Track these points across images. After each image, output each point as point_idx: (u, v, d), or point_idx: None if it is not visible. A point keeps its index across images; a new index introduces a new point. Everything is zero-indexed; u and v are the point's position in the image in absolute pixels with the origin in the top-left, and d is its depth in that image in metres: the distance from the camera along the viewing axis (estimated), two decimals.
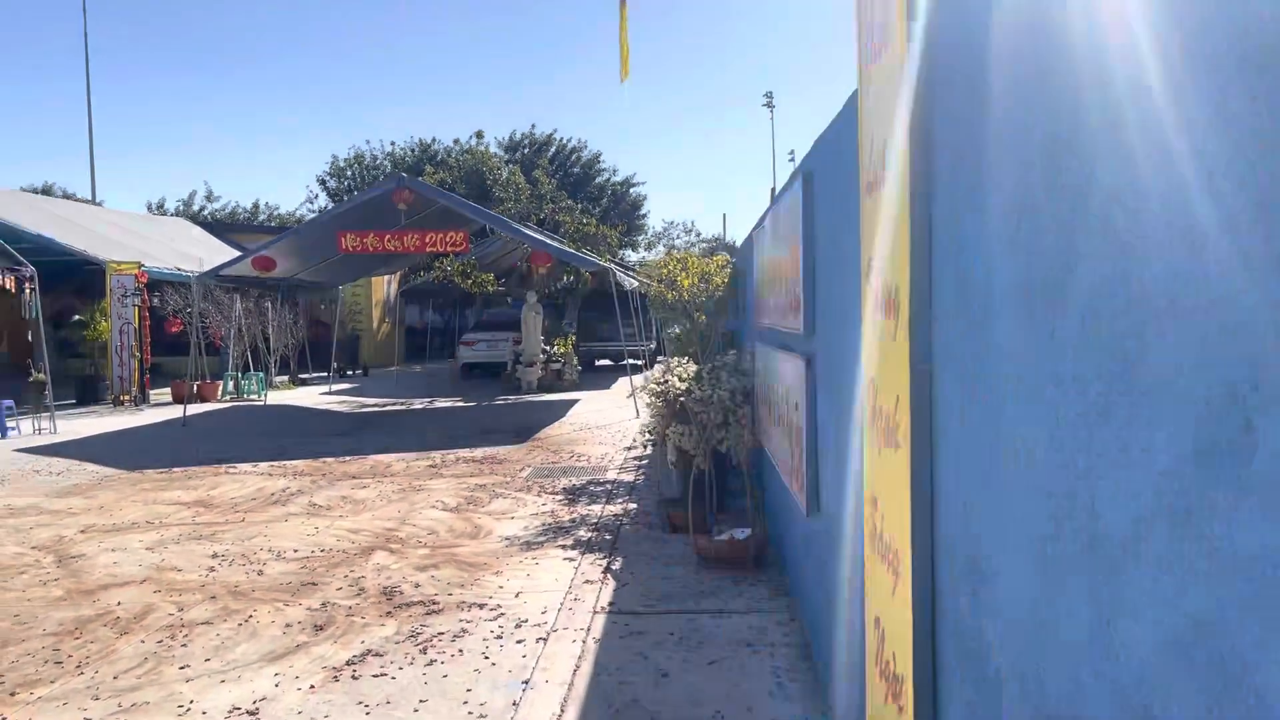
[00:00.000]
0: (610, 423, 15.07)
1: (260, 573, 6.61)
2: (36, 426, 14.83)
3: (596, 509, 8.52)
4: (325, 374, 27.39)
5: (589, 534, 7.55)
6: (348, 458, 11.85)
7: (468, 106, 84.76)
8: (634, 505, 8.64)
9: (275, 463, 11.54)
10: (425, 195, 15.69)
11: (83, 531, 8.00)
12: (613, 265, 17.11)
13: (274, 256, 16.01)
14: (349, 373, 28.46)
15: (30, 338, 15.90)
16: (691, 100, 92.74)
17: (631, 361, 19.40)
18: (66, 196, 44.02)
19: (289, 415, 17.36)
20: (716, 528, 6.82)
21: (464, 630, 5.28)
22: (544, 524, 7.97)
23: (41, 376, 14.98)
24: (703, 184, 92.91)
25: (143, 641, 5.24)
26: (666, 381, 8.07)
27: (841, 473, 3.76)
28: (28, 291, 14.76)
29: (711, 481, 7.39)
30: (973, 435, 2.10)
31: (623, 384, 22.76)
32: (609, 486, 9.61)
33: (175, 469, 11.16)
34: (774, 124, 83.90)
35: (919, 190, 2.37)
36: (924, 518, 2.42)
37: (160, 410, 18.22)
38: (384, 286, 32.89)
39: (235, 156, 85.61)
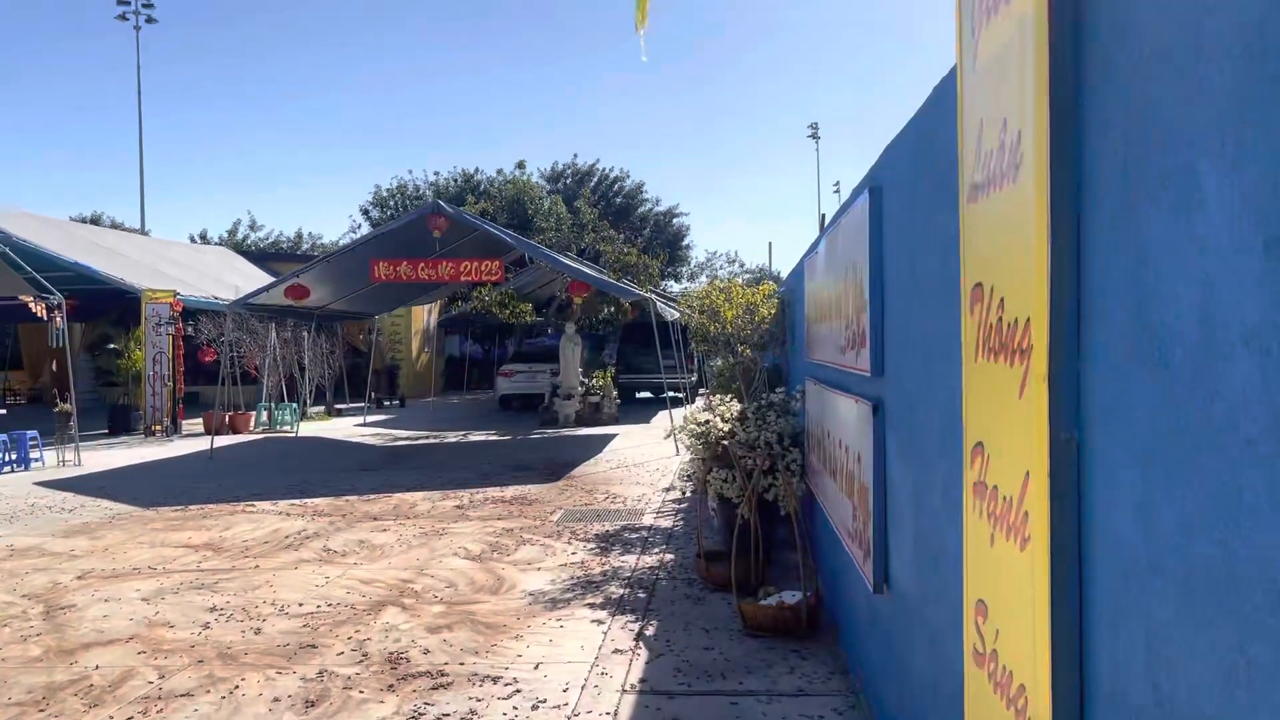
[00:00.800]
0: (648, 460, 14.37)
1: (258, 631, 5.99)
2: (61, 458, 14.47)
3: (630, 560, 7.81)
4: (363, 404, 27.08)
5: (621, 590, 6.85)
6: (372, 496, 11.27)
7: (511, 138, 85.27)
8: (671, 556, 7.92)
9: (296, 501, 10.99)
10: (460, 222, 15.22)
11: (80, 578, 7.45)
12: (653, 295, 16.48)
13: (306, 285, 15.60)
14: (386, 403, 28.09)
15: (57, 366, 15.58)
16: (736, 131, 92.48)
17: (672, 394, 18.75)
18: (115, 226, 44.54)
19: (318, 448, 16.89)
20: (763, 590, 6.08)
21: (472, 712, 4.60)
22: (572, 577, 7.28)
23: (67, 407, 14.65)
24: (746, 216, 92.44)
25: (111, 718, 4.62)
26: (708, 422, 7.38)
27: (925, 551, 3.05)
28: (57, 320, 14.45)
29: (757, 533, 6.66)
30: (1159, 538, 1.40)
31: (662, 418, 22.03)
32: (644, 534, 8.90)
33: (192, 506, 10.64)
34: (819, 155, 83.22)
35: (1065, 182, 1.69)
36: (1069, 649, 1.71)
37: (191, 441, 17.84)
38: (424, 316, 32.58)
39: (280, 187, 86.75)
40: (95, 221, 44.05)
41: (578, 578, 7.24)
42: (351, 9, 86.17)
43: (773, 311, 8.99)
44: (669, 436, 9.87)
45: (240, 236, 46.88)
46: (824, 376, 5.74)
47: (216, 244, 42.98)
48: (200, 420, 20.26)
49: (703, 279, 46.95)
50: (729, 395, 7.94)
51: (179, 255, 26.96)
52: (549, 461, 14.39)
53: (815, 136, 65.97)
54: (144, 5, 49.35)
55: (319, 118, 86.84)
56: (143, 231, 44.73)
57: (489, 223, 16.81)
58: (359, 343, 29.04)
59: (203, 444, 17.28)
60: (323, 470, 13.86)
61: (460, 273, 15.34)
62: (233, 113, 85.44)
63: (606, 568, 7.55)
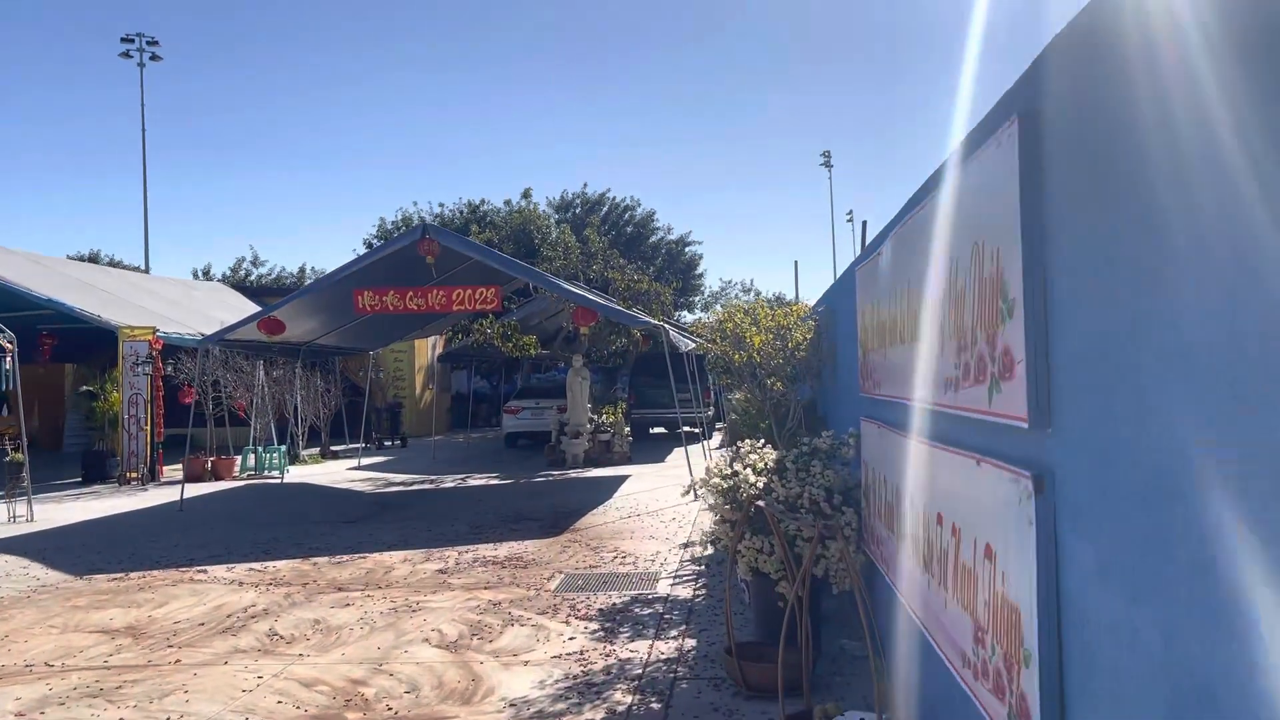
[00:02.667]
0: (663, 507, 12.84)
1: None
2: (11, 513, 13.04)
3: (641, 648, 6.28)
4: (363, 444, 25.67)
5: (629, 698, 5.31)
6: (344, 557, 9.79)
7: (520, 168, 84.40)
8: (692, 643, 6.38)
9: (256, 564, 9.51)
10: (452, 248, 13.83)
11: None
12: (666, 324, 15.06)
13: (283, 319, 14.22)
14: (387, 444, 26.67)
15: (8, 411, 14.20)
16: (747, 159, 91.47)
17: (688, 429, 17.22)
18: (113, 264, 43.54)
19: (302, 496, 15.42)
20: (821, 710, 4.54)
21: None
22: (568, 675, 5.76)
23: (19, 456, 13.27)
24: (760, 245, 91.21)
25: None
26: (735, 474, 5.87)
27: None
28: (7, 361, 13.09)
29: (805, 622, 5.14)
30: None
31: (678, 455, 20.52)
32: (659, 608, 7.36)
33: (133, 574, 9.17)
34: (832, 184, 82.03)
35: None
36: None
37: (167, 490, 16.39)
38: (428, 351, 31.24)
39: (284, 223, 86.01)
40: (93, 260, 43.07)
41: (574, 677, 5.71)
42: (357, 42, 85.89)
43: (807, 336, 7.52)
44: (688, 492, 8.33)
45: (243, 273, 45.82)
46: (897, 419, 4.25)
47: (219, 281, 41.90)
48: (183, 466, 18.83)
49: (717, 308, 45.56)
50: (759, 440, 6.42)
51: (168, 291, 25.73)
52: (552, 510, 12.87)
53: (828, 165, 64.97)
54: (149, 43, 48.76)
55: (323, 152, 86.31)
56: (145, 270, 43.78)
57: (483, 247, 15.42)
58: (359, 380, 27.67)
59: (187, 491, 15.87)
60: (299, 523, 12.39)
61: (453, 302, 13.91)
62: (237, 149, 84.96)
63: (612, 661, 6.01)
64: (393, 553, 10.02)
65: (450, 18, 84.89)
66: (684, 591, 7.82)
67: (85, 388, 18.99)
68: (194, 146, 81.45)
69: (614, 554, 9.59)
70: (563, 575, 8.59)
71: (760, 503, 5.20)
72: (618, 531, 11.00)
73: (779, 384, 7.67)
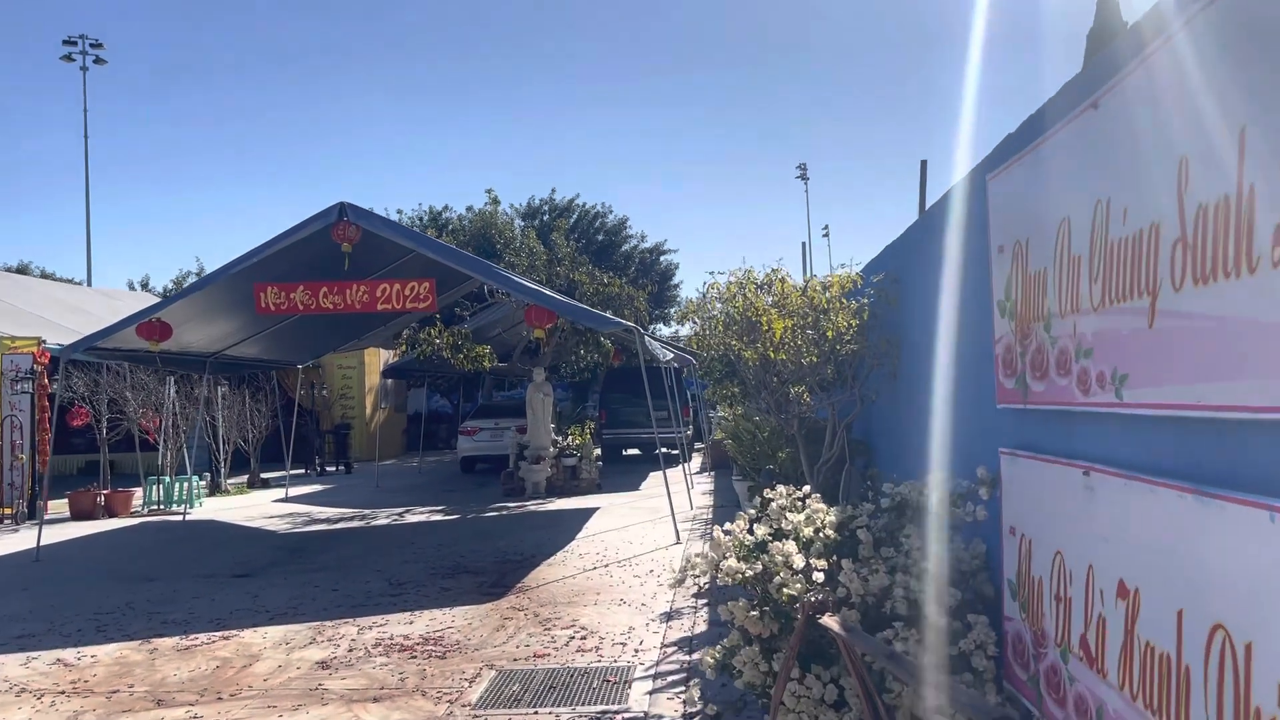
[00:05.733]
0: (637, 553, 10.28)
1: None
2: None
3: None
4: (302, 471, 22.95)
5: None
6: (201, 637, 7.16)
7: (487, 180, 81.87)
8: None
9: (72, 651, 6.87)
10: (378, 233, 11.23)
11: None
12: (639, 330, 12.52)
13: (170, 321, 11.55)
14: (330, 469, 23.93)
15: None
16: (722, 170, 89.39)
17: (665, 450, 14.68)
18: (46, 276, 40.49)
19: (199, 539, 12.70)
20: None
21: None
22: None
23: None
24: (735, 257, 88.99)
25: None
26: (765, 549, 3.34)
27: None
28: None
29: None
30: None
31: (655, 481, 17.98)
32: None
33: None
34: (809, 197, 79.90)
35: None
36: None
37: (50, 530, 13.58)
38: (380, 366, 28.51)
39: (234, 234, 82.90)
40: (23, 271, 40.01)
41: None
42: (314, 48, 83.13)
43: (853, 323, 5.03)
44: (679, 583, 5.70)
45: (188, 285, 42.86)
46: (1124, 450, 1.73)
47: (159, 293, 38.97)
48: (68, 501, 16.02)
49: (694, 321, 43.16)
50: (809, 494, 3.87)
51: (77, 300, 22.92)
52: (499, 558, 10.27)
53: (804, 178, 62.90)
54: (92, 45, 45.98)
55: (277, 162, 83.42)
56: (88, 284, 40.73)
57: (414, 233, 12.83)
58: (303, 399, 24.87)
59: (59, 533, 13.14)
60: (176, 577, 9.73)
61: (377, 299, 11.29)
62: (183, 157, 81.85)
63: None
64: (271, 628, 7.39)
65: (415, 24, 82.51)
66: (670, 708, 5.24)
67: None
68: (139, 154, 78.28)
69: (570, 630, 7.01)
70: (493, 672, 6.00)
71: (830, 621, 2.66)
72: (578, 591, 8.42)
73: (805, 395, 5.21)
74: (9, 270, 37.43)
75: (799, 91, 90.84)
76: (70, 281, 38.97)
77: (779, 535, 3.55)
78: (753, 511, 3.79)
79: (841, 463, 5.27)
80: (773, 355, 4.92)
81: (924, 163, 5.65)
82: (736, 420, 10.67)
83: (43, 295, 22.09)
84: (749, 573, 3.36)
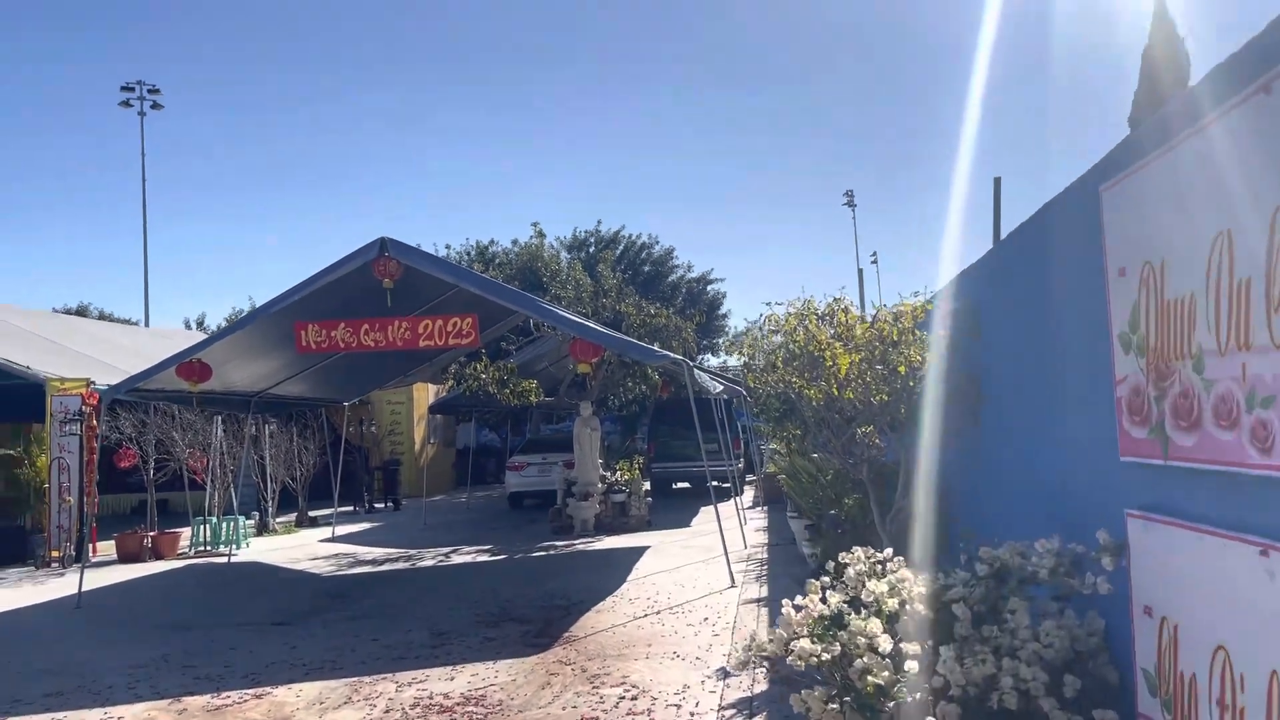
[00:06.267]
0: (690, 598, 9.79)
1: None
2: None
3: None
4: (351, 509, 22.74)
5: None
6: (232, 695, 6.82)
7: (533, 212, 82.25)
8: None
9: (102, 710, 6.57)
10: (419, 268, 10.96)
11: None
12: (687, 363, 12.07)
13: (210, 362, 11.37)
14: (379, 506, 23.73)
15: None
16: (769, 197, 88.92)
17: (717, 485, 14.15)
18: (103, 317, 41.20)
19: (242, 583, 12.46)
20: None
21: None
22: None
23: None
24: (784, 286, 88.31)
25: None
26: (845, 625, 2.87)
27: None
28: None
29: None
30: None
31: (706, 517, 17.46)
32: None
33: None
34: (855, 223, 79.04)
35: None
36: None
37: (93, 574, 13.43)
38: (429, 401, 28.33)
39: (287, 270, 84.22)
40: (82, 312, 40.74)
41: None
42: (362, 86, 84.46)
43: (924, 355, 4.56)
44: (744, 666, 5.17)
45: None
46: None
47: (212, 332, 39.42)
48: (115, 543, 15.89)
49: (743, 352, 42.54)
50: (889, 557, 3.40)
51: (131, 341, 23.07)
52: (545, 603, 9.85)
53: (851, 204, 62.19)
54: (149, 91, 47.08)
55: (327, 199, 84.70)
56: (146, 324, 41.34)
57: (456, 267, 12.56)
58: (351, 435, 24.74)
59: (104, 577, 13.00)
60: (215, 625, 9.45)
61: (420, 336, 11.01)
62: (238, 198, 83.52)
63: None
64: (306, 684, 7.03)
65: (461, 60, 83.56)
66: None
67: (3, 451, 16.13)
68: (194, 196, 80.00)
69: (620, 689, 6.55)
70: None
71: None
72: (628, 642, 7.95)
73: (874, 436, 4.75)
74: (68, 312, 38.12)
75: (846, 117, 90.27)
76: (127, 322, 39.60)
77: (855, 604, 3.10)
78: (826, 579, 3.32)
79: (913, 511, 4.79)
80: (839, 394, 4.46)
81: (998, 180, 5.21)
82: (793, 459, 10.15)
83: (94, 336, 22.26)
84: (826, 656, 2.90)
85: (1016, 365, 3.84)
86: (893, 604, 3.05)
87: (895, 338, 4.58)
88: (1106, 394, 2.80)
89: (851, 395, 4.50)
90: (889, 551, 3.38)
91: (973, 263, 4.68)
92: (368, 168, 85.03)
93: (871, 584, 3.14)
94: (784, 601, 3.53)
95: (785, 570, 10.98)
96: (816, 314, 4.85)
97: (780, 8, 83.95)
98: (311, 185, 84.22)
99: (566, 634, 8.37)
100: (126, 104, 46.48)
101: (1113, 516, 2.75)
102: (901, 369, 4.47)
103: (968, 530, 3.32)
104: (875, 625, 2.90)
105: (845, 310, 4.82)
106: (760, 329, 4.85)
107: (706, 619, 8.71)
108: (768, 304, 4.74)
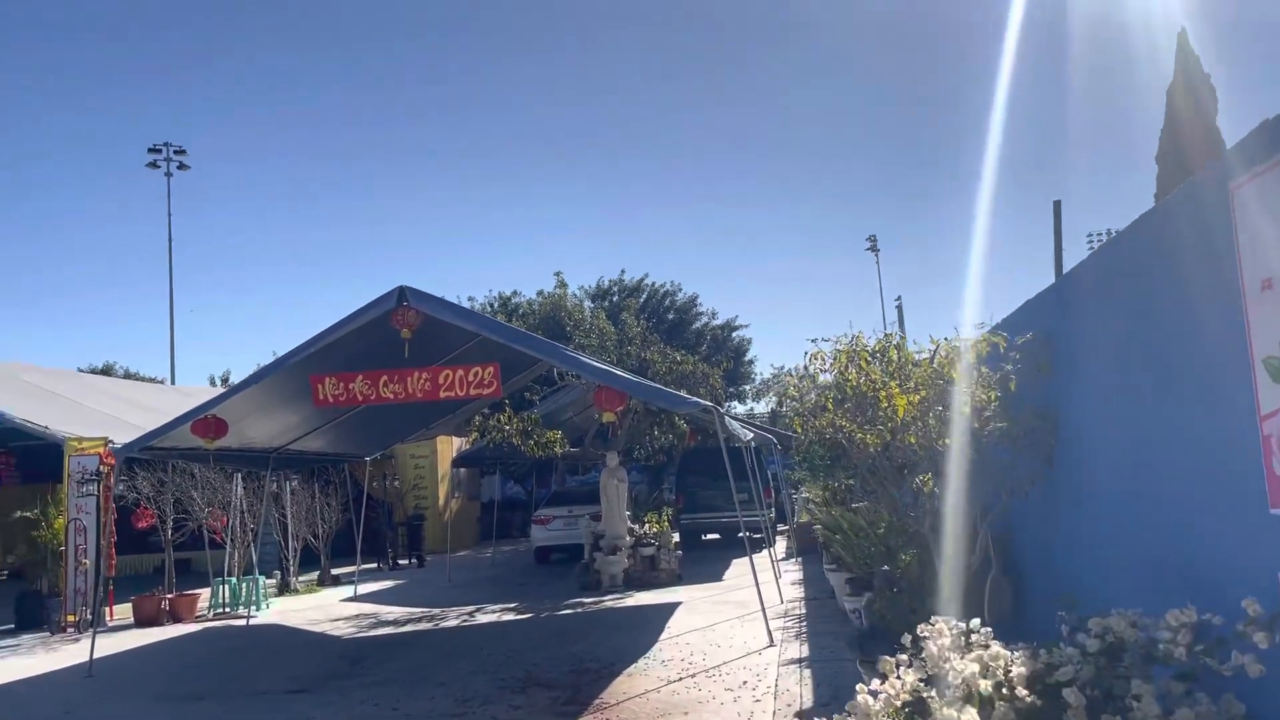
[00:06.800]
0: (728, 659, 9.24)
1: None
2: None
3: None
4: (374, 566, 22.26)
5: None
6: None
7: (555, 262, 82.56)
8: None
9: None
10: (438, 317, 10.62)
11: None
12: (717, 409, 11.61)
13: (225, 417, 11.04)
14: (402, 563, 23.23)
15: None
16: (792, 244, 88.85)
17: (750, 535, 13.58)
18: (129, 375, 41.29)
19: (258, 648, 12.02)
20: None
21: None
22: None
23: None
24: (809, 331, 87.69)
25: None
26: (926, 713, 2.40)
27: None
28: None
29: None
30: None
31: (738, 569, 16.87)
32: None
33: None
34: (879, 269, 78.61)
35: None
36: None
37: (107, 640, 13.04)
38: (453, 455, 27.94)
39: (311, 326, 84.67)
40: (108, 371, 40.89)
41: None
42: (381, 142, 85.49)
43: (993, 396, 4.12)
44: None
45: None
46: None
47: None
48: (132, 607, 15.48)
49: (771, 398, 41.97)
50: (976, 628, 2.93)
51: (153, 399, 22.89)
52: (574, 666, 9.33)
53: (874, 250, 61.82)
54: (175, 152, 47.75)
55: (350, 254, 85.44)
56: (171, 381, 41.40)
57: (477, 315, 12.22)
58: (374, 490, 24.32)
59: (118, 643, 12.60)
60: (227, 695, 9.01)
61: (440, 387, 10.65)
62: (260, 255, 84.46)
63: None
64: None
65: (481, 114, 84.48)
66: None
67: (20, 513, 15.85)
68: (219, 253, 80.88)
69: None
70: None
71: None
72: (664, 710, 7.43)
73: (932, 484, 4.30)
74: (94, 371, 38.21)
75: (867, 164, 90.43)
76: (152, 380, 39.65)
77: (933, 682, 2.64)
78: (902, 656, 2.87)
79: (984, 571, 4.30)
80: (895, 439, 4.02)
81: (1058, 204, 4.80)
82: (833, 509, 9.64)
83: (116, 395, 22.11)
84: None
85: (1105, 402, 3.39)
86: (986, 687, 2.59)
87: (954, 376, 4.14)
88: (1247, 433, 2.36)
89: (915, 440, 4.06)
90: (975, 622, 2.92)
91: (1041, 292, 4.25)
92: (391, 222, 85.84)
93: (958, 662, 2.68)
94: (858, 687, 3.06)
95: (826, 627, 10.41)
96: (868, 351, 4.42)
97: (800, 54, 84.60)
98: (334, 242, 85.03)
99: (597, 700, 7.86)
100: (154, 165, 47.19)
101: (1262, 581, 2.29)
102: (965, 410, 4.03)
103: (1069, 597, 2.86)
104: (971, 716, 2.43)
105: (898, 347, 4.39)
106: (806, 368, 4.45)
107: (745, 682, 8.16)
108: (812, 340, 4.37)
